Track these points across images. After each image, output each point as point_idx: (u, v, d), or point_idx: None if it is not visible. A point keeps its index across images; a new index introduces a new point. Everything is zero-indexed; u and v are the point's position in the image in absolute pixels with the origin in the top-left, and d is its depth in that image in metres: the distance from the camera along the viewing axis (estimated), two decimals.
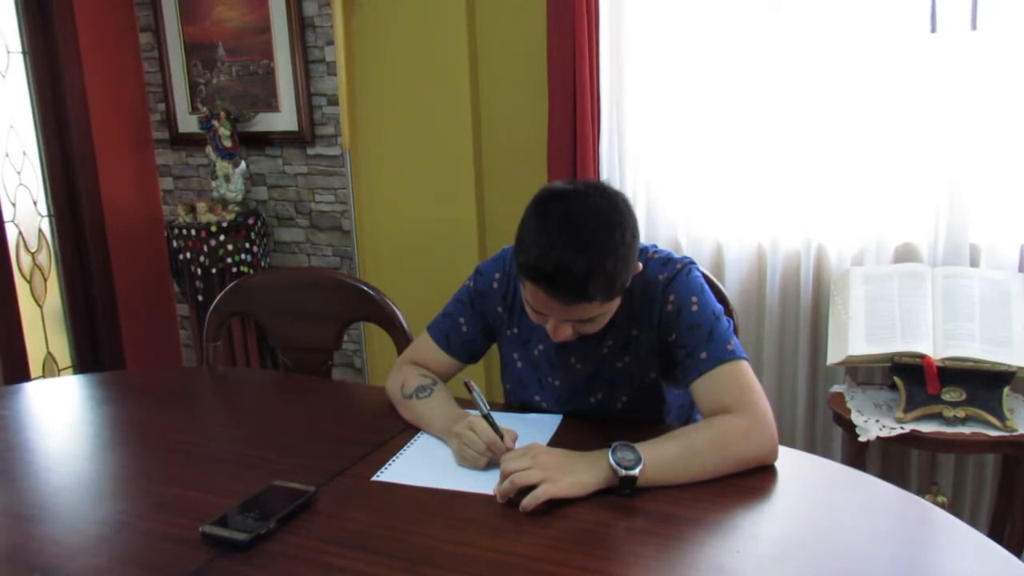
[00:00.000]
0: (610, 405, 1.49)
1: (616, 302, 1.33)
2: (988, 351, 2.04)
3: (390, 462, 1.35)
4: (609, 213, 1.26)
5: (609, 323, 1.40)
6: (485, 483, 1.25)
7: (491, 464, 1.30)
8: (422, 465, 1.33)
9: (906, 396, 2.08)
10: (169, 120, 3.41)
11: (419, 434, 1.45)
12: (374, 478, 1.29)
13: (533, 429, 1.41)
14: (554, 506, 1.17)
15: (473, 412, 1.36)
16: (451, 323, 1.57)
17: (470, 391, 1.35)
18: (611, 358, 1.45)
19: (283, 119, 3.19)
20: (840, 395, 2.25)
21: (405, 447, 1.40)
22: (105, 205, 3.32)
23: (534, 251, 1.25)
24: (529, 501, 1.15)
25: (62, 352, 3.33)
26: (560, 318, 1.30)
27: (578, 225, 1.24)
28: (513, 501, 1.18)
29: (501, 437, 1.30)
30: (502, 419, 1.36)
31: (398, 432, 1.47)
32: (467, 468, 1.31)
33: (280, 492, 1.23)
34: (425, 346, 1.59)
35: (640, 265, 1.36)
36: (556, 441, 1.38)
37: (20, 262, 3.13)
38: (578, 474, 1.19)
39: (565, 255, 1.21)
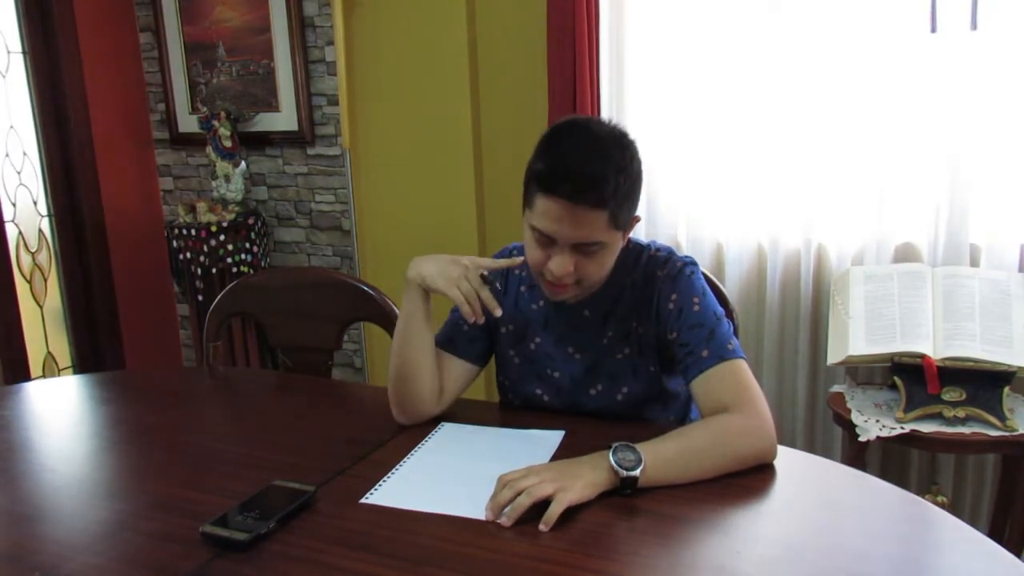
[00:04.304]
0: (611, 397, 1.49)
1: (618, 242, 1.36)
2: (988, 351, 2.04)
3: (382, 481, 1.28)
4: (621, 137, 1.34)
5: (609, 313, 1.43)
6: (478, 507, 1.18)
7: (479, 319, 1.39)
8: (415, 486, 1.27)
9: (906, 396, 2.08)
10: (169, 120, 3.41)
11: (413, 452, 1.38)
12: (363, 500, 1.23)
13: (535, 446, 1.38)
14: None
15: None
16: (453, 326, 1.55)
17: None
18: (611, 349, 1.46)
19: (283, 119, 3.19)
20: (840, 395, 2.25)
21: (399, 465, 1.33)
22: (105, 205, 3.32)
23: (548, 160, 1.30)
24: (551, 514, 1.12)
25: (62, 352, 3.33)
26: (567, 238, 1.30)
27: (591, 140, 1.31)
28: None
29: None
30: (502, 436, 1.41)
31: (398, 432, 1.47)
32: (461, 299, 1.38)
33: (280, 492, 1.23)
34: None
35: (640, 217, 1.41)
36: (558, 454, 1.35)
37: (20, 262, 3.13)
38: (585, 477, 1.18)
39: (578, 158, 1.28)
